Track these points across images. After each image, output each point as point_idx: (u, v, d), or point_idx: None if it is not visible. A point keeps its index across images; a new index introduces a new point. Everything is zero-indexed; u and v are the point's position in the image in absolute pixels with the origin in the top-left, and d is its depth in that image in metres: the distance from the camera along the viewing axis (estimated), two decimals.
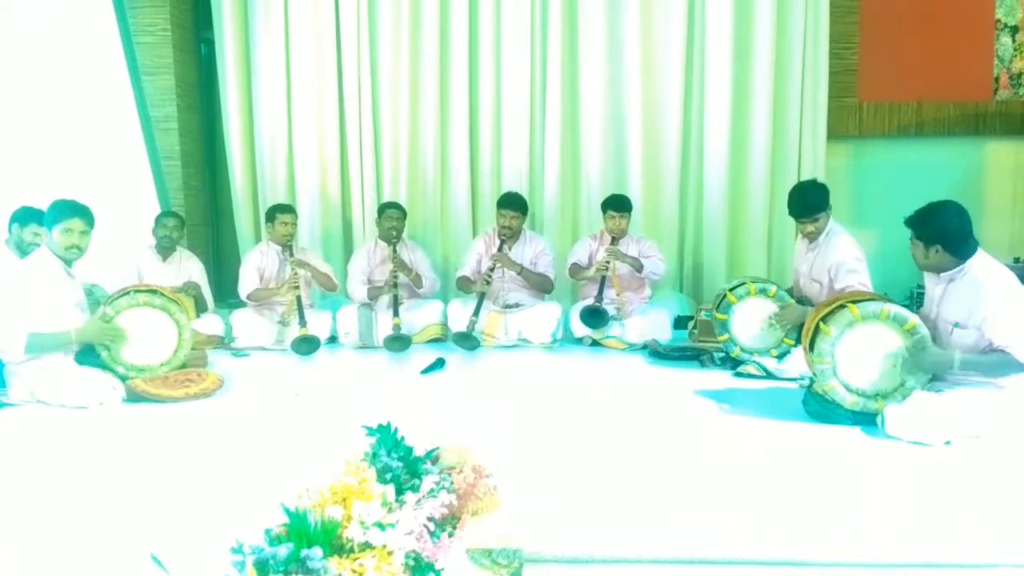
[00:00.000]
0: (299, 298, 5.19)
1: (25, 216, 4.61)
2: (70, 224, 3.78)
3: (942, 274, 3.27)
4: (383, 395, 4.07)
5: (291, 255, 5.38)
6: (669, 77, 6.12)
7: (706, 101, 6.12)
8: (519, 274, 5.41)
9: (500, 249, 5.43)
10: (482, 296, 5.28)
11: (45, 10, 5.75)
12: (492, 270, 5.35)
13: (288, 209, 5.58)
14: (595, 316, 5.17)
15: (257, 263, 5.50)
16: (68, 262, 3.88)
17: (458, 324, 5.34)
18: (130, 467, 2.90)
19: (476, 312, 5.21)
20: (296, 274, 5.27)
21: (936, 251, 3.20)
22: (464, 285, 5.56)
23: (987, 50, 6.32)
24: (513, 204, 5.49)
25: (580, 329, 5.31)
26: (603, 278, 5.25)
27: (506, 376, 4.53)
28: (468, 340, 5.16)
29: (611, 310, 5.26)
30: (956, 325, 3.18)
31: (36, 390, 3.72)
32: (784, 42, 6.00)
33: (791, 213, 4.36)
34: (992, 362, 3.12)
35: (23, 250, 4.53)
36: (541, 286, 5.51)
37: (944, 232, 3.18)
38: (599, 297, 5.20)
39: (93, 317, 3.94)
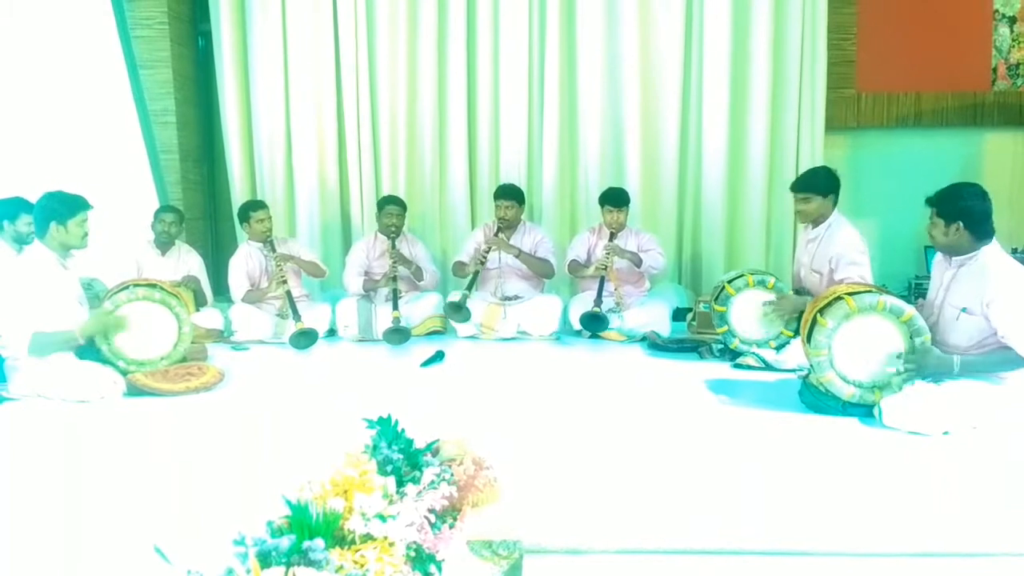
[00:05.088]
0: (289, 293, 5.18)
1: (12, 208, 4.61)
2: (85, 216, 3.86)
3: (955, 258, 3.29)
4: (383, 388, 4.08)
5: (272, 250, 5.37)
6: (667, 69, 6.10)
7: (704, 92, 6.10)
8: (517, 257, 5.39)
9: (496, 235, 5.44)
10: (476, 273, 5.30)
11: (42, 4, 5.73)
12: (488, 251, 5.35)
13: (260, 205, 5.57)
14: (595, 321, 5.15)
15: (243, 266, 5.48)
16: (66, 255, 3.90)
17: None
18: (131, 460, 2.92)
19: (470, 286, 5.25)
20: (281, 269, 5.25)
21: (957, 229, 3.21)
22: (459, 269, 5.56)
23: (985, 41, 6.31)
24: (509, 194, 5.50)
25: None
26: (602, 278, 5.24)
27: (505, 368, 4.54)
28: (459, 312, 5.18)
29: (610, 303, 5.25)
30: (964, 310, 3.19)
31: (37, 384, 3.72)
32: (782, 33, 5.99)
33: (791, 186, 4.40)
34: (992, 362, 3.14)
35: (22, 242, 4.55)
36: (542, 270, 5.51)
37: (967, 210, 3.20)
38: (598, 300, 5.16)
39: (93, 312, 3.94)
